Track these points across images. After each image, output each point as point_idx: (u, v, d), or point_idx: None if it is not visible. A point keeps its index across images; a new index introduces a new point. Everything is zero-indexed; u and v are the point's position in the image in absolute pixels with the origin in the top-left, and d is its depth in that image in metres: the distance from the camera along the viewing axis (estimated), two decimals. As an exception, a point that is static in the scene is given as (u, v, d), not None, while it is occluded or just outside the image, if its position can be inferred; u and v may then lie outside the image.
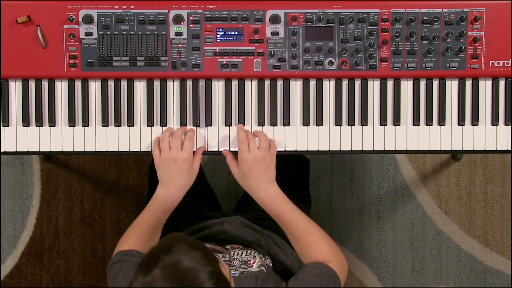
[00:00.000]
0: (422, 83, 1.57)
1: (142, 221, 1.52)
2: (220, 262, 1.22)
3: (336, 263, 1.43)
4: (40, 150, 1.57)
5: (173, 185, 1.49)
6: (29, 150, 1.57)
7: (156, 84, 1.57)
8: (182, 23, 1.54)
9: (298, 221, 1.48)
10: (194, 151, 1.53)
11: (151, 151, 1.55)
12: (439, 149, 1.58)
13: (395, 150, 1.58)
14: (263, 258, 1.51)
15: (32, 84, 1.56)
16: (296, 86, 1.57)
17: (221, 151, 1.57)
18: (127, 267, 1.40)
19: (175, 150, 1.48)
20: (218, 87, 1.57)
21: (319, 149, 1.58)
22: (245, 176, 1.49)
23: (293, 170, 1.93)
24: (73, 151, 1.57)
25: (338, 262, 1.44)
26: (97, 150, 1.57)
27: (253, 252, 1.53)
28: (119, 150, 1.57)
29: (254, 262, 1.47)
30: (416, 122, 1.57)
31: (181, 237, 1.20)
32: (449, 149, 1.58)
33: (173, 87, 1.57)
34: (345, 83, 1.57)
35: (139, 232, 1.51)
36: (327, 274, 1.39)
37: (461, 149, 1.58)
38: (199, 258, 1.14)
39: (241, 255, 1.51)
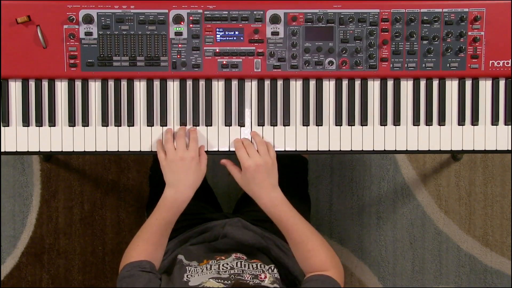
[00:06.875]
0: (422, 83, 1.57)
1: (151, 225, 1.49)
2: None
3: (334, 270, 1.44)
4: (40, 150, 1.57)
5: (182, 185, 1.48)
6: (29, 150, 1.57)
7: (156, 84, 1.57)
8: (182, 23, 1.54)
9: (300, 228, 1.48)
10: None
11: (153, 152, 1.54)
12: (439, 149, 1.58)
13: (395, 150, 1.58)
14: (270, 270, 1.51)
15: (32, 84, 1.56)
16: (296, 86, 1.57)
17: (221, 151, 1.57)
18: (139, 285, 1.37)
19: (181, 150, 1.48)
20: (218, 87, 1.57)
21: (319, 149, 1.58)
22: (248, 182, 1.49)
23: (292, 170, 1.92)
24: (73, 151, 1.57)
25: (336, 269, 1.45)
26: (97, 150, 1.57)
27: (258, 264, 1.52)
28: (119, 150, 1.57)
29: (265, 277, 1.47)
30: (416, 122, 1.57)
31: None
32: (449, 149, 1.58)
33: (173, 87, 1.57)
34: (345, 83, 1.57)
35: (148, 238, 1.48)
36: None
37: (461, 149, 1.58)
38: None
39: (249, 267, 1.50)
